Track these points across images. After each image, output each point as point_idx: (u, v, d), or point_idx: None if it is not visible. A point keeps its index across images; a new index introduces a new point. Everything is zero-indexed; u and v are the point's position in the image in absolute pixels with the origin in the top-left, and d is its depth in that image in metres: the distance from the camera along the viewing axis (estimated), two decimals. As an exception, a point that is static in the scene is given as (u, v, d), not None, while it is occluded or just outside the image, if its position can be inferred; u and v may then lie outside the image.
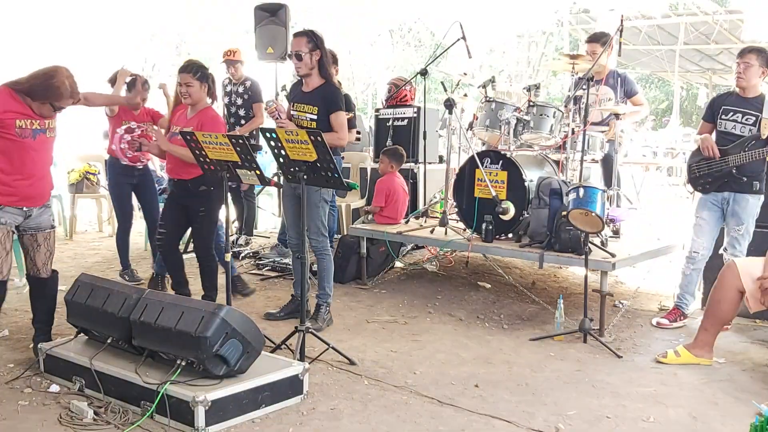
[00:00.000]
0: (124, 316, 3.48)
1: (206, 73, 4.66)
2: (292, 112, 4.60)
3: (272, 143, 3.85)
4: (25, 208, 3.81)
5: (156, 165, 7.92)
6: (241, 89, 7.02)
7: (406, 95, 7.25)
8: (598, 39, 5.88)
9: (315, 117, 4.49)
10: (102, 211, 9.06)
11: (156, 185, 6.21)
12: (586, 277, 4.54)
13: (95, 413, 3.26)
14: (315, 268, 5.74)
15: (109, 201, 9.06)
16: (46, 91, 3.69)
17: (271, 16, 7.30)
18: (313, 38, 4.44)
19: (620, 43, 5.06)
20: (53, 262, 4.04)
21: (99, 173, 8.36)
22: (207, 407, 3.07)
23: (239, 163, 3.93)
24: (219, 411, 3.12)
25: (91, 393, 3.48)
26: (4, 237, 3.76)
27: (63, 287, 4.50)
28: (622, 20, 5.06)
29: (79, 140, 9.77)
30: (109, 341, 3.59)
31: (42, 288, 4.03)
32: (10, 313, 4.82)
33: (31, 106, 3.72)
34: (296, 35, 4.54)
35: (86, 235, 8.74)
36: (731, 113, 4.67)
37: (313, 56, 4.46)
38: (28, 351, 4.10)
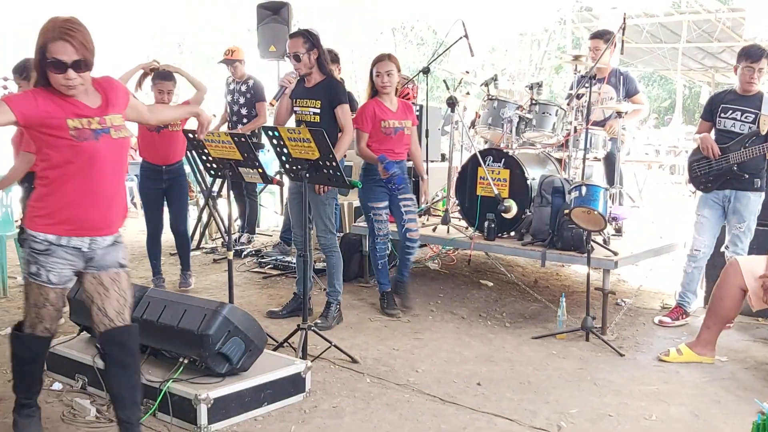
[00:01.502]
0: (126, 314, 3.48)
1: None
2: (295, 109, 4.61)
3: (274, 141, 3.86)
4: (84, 247, 2.75)
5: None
6: (243, 88, 7.01)
7: (408, 93, 7.24)
8: (602, 36, 5.87)
9: (318, 111, 4.50)
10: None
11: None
12: (588, 276, 4.54)
13: (98, 411, 3.27)
14: (316, 266, 5.76)
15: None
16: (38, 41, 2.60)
17: (273, 15, 7.31)
18: (309, 38, 4.47)
19: (623, 41, 5.05)
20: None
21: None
22: (209, 405, 3.07)
23: (241, 161, 3.93)
24: (221, 409, 3.13)
25: (93, 391, 3.49)
26: (56, 298, 2.81)
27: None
28: (624, 18, 5.05)
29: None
30: (111, 339, 3.59)
31: (120, 347, 2.83)
32: (12, 311, 4.83)
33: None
34: (292, 36, 4.61)
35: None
36: (730, 111, 4.66)
37: (311, 55, 4.48)
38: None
